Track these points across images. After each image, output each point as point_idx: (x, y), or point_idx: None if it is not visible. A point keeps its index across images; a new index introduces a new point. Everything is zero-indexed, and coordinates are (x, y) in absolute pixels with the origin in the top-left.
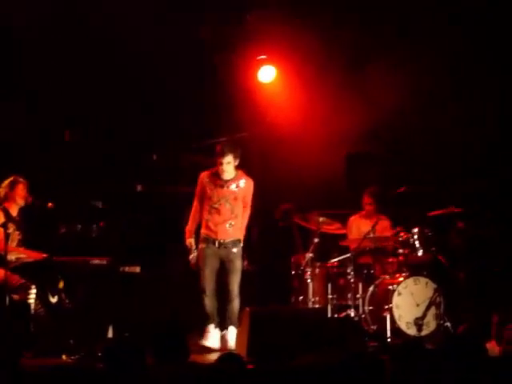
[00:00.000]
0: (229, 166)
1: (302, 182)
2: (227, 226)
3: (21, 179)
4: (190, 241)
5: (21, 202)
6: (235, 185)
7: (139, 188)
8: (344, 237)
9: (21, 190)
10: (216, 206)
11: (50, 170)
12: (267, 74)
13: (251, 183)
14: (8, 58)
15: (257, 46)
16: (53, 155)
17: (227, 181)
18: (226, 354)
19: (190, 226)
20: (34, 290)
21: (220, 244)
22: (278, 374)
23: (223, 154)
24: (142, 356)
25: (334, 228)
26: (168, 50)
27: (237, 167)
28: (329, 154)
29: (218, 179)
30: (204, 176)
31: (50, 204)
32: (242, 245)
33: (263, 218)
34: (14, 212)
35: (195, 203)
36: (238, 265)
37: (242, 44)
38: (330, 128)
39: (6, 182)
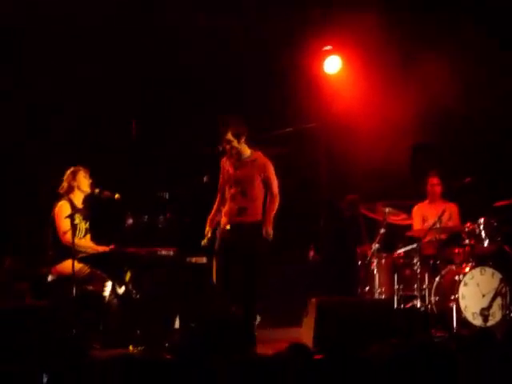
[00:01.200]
0: (231, 144)
1: (368, 173)
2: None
3: (81, 168)
4: (208, 229)
5: (85, 190)
6: (248, 166)
7: (205, 179)
8: (410, 227)
9: (83, 178)
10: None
11: (117, 162)
12: (333, 64)
13: (265, 163)
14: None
15: (322, 37)
16: (120, 147)
17: (237, 162)
18: (293, 345)
19: (211, 215)
20: (109, 282)
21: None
22: (346, 364)
23: (221, 133)
24: (208, 347)
25: (400, 218)
26: (234, 41)
27: (251, 147)
28: (394, 144)
29: (229, 161)
30: (223, 161)
31: (117, 195)
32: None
33: (329, 208)
34: (78, 202)
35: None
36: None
37: (308, 35)
38: (396, 118)
39: (67, 172)
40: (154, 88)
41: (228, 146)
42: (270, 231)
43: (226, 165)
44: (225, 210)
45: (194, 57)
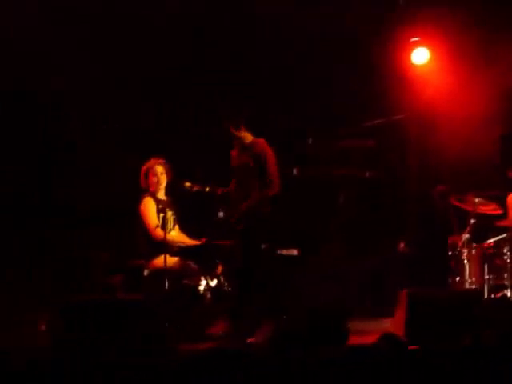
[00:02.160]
0: (233, 133)
1: (457, 163)
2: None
3: (154, 160)
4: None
5: (163, 182)
6: (245, 154)
7: (295, 172)
8: (500, 217)
9: (158, 171)
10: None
11: (208, 157)
12: (421, 55)
13: (261, 151)
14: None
15: (410, 29)
16: (213, 141)
17: (239, 152)
18: (385, 335)
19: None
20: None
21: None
22: (439, 355)
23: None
24: (300, 338)
25: (490, 209)
26: (321, 34)
27: (253, 135)
28: (483, 134)
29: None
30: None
31: (207, 188)
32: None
33: (420, 199)
34: (161, 195)
35: None
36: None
37: (395, 27)
38: (484, 107)
39: (143, 168)
40: (244, 84)
41: (234, 140)
42: (253, 204)
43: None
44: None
45: (283, 49)
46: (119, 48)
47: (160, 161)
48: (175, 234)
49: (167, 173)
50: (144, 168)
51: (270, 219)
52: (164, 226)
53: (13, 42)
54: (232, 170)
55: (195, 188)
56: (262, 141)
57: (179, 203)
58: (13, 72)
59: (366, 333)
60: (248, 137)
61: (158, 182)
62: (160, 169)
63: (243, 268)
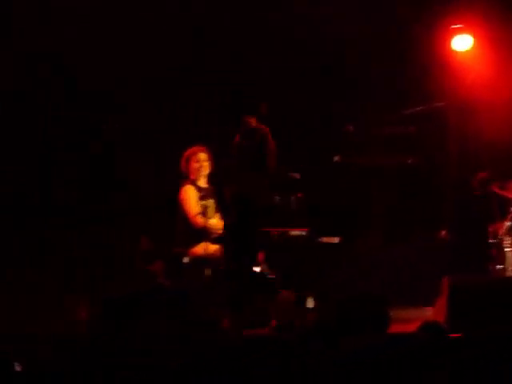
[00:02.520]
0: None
1: (498, 151)
2: None
3: (195, 148)
4: None
5: (206, 170)
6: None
7: (336, 159)
8: None
9: (201, 158)
10: None
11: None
12: (463, 42)
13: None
14: None
15: (451, 15)
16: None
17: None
18: (427, 324)
19: None
20: None
21: None
22: (481, 343)
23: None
24: (342, 326)
25: None
26: (361, 20)
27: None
28: None
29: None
30: None
31: None
32: None
33: (460, 187)
34: (202, 183)
35: None
36: None
37: (436, 13)
38: None
39: (184, 154)
40: (284, 73)
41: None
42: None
43: None
44: None
45: (322, 35)
46: (119, 47)
47: (203, 148)
48: (215, 222)
49: (210, 161)
50: (186, 154)
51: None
52: (205, 214)
53: None
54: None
55: None
56: (262, 128)
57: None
58: (11, 72)
59: (407, 321)
60: (253, 122)
61: (200, 169)
62: (203, 156)
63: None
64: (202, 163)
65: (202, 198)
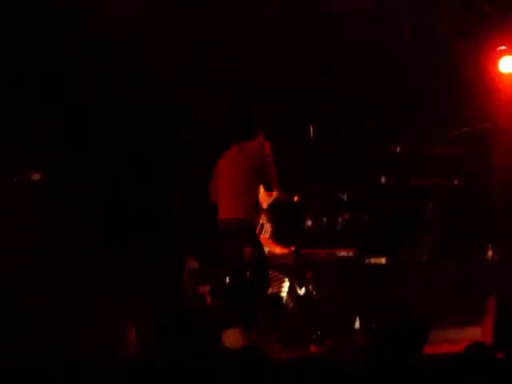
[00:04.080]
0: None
1: None
2: None
3: None
4: None
5: (268, 199)
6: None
7: (383, 180)
8: None
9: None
10: None
11: (295, 163)
12: (508, 64)
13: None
14: None
15: (497, 37)
16: (297, 148)
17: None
18: (474, 344)
19: None
20: (287, 283)
21: None
22: None
23: None
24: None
25: None
26: (410, 43)
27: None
28: None
29: None
30: None
31: (296, 197)
32: None
33: (507, 207)
34: (264, 205)
35: None
36: None
37: (482, 35)
38: None
39: None
40: (330, 87)
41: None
42: None
43: None
44: None
45: (359, 55)
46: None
47: None
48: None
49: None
50: None
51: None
52: (260, 232)
53: None
54: None
55: (283, 197)
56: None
57: (277, 216)
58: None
59: (455, 341)
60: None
61: (270, 194)
62: None
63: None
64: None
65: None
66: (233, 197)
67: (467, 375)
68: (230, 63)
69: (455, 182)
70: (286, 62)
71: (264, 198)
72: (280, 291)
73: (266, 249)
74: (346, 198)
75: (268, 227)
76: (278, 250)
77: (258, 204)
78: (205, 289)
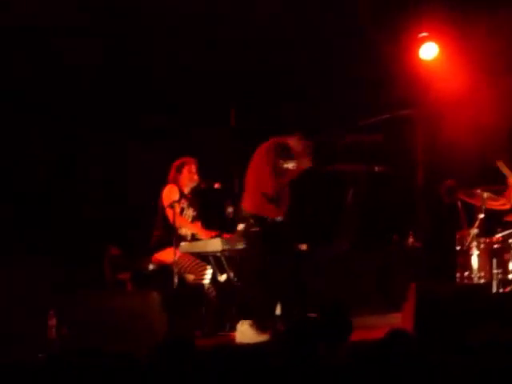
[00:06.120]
0: None
1: (465, 158)
2: None
3: (187, 160)
4: None
5: (189, 183)
6: None
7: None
8: (509, 212)
9: (188, 172)
10: None
11: (217, 150)
12: (429, 51)
13: None
14: None
15: (418, 24)
16: (219, 137)
17: None
18: (393, 330)
19: None
20: (209, 271)
21: None
22: (446, 349)
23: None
24: (310, 334)
25: (498, 204)
26: (329, 29)
27: None
28: (493, 128)
29: None
30: None
31: (217, 184)
32: None
33: (428, 194)
34: (185, 191)
35: None
36: None
37: (403, 22)
38: (493, 102)
39: (174, 164)
40: (252, 76)
41: None
42: None
43: None
44: None
45: (284, 45)
46: (118, 46)
47: (195, 160)
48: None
49: (196, 174)
50: (179, 162)
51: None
52: (180, 215)
53: None
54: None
55: (203, 185)
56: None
57: (199, 203)
58: None
59: (375, 328)
60: None
61: (191, 179)
62: (195, 168)
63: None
64: (193, 174)
65: (182, 202)
66: None
67: (387, 361)
68: None
69: (376, 168)
70: None
71: (185, 183)
72: (202, 278)
73: (186, 231)
74: None
75: (190, 212)
76: (203, 234)
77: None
78: (126, 276)
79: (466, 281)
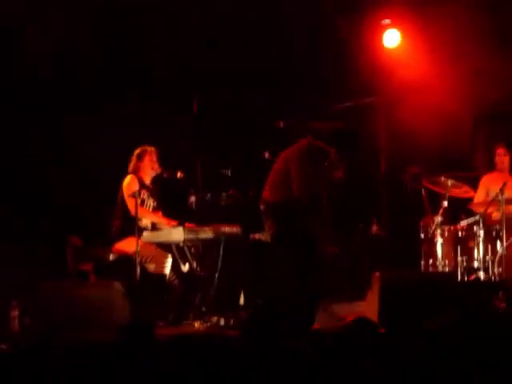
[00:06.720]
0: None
1: (429, 146)
2: None
3: (148, 149)
4: None
5: (150, 172)
6: None
7: (267, 155)
8: (472, 200)
9: (149, 161)
10: None
11: (179, 139)
12: (392, 38)
13: None
14: None
15: (381, 11)
16: (181, 125)
17: None
18: (357, 319)
19: None
20: (169, 260)
21: None
22: (410, 337)
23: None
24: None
25: (462, 191)
26: (291, 16)
27: None
28: (456, 116)
29: None
30: None
31: (179, 174)
32: None
33: (391, 182)
34: (147, 180)
35: None
36: None
37: (366, 9)
38: (456, 90)
39: (135, 152)
40: (215, 66)
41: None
42: None
43: None
44: None
45: (246, 32)
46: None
47: (152, 149)
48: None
49: (156, 163)
50: (139, 150)
51: None
52: (141, 205)
53: None
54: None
55: (166, 174)
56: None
57: (160, 192)
58: None
59: (341, 316)
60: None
61: (152, 168)
62: (156, 157)
63: None
64: (154, 162)
65: (143, 193)
66: None
67: (351, 349)
68: None
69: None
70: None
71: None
72: (163, 268)
73: (147, 221)
74: (229, 173)
75: (150, 202)
76: (165, 222)
77: None
78: (88, 266)
79: (430, 269)
